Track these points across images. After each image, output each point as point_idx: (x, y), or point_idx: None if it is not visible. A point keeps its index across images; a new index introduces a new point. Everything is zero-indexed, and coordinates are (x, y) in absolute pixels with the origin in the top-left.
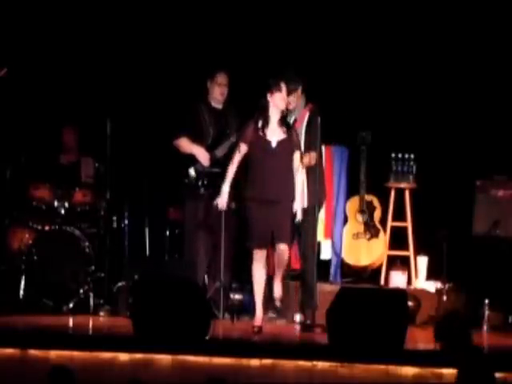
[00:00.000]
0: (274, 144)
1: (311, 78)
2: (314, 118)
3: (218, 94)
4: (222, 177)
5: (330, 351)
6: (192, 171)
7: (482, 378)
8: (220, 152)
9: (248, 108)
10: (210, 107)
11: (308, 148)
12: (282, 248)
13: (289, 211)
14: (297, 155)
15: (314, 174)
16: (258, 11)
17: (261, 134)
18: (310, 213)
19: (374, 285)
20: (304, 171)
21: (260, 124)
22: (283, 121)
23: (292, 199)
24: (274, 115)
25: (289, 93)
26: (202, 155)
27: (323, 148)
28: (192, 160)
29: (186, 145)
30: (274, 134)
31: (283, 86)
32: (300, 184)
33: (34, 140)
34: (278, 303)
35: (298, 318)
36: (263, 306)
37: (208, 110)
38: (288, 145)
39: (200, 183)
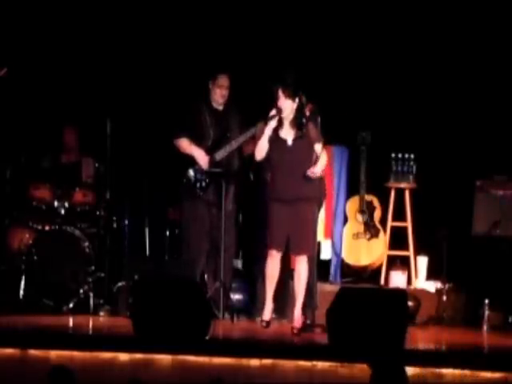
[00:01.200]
0: (289, 142)
1: (311, 78)
2: (314, 118)
3: (218, 97)
4: (222, 177)
5: (330, 351)
6: (191, 172)
7: (393, 374)
8: (219, 156)
9: (249, 107)
10: (212, 108)
11: None
12: (300, 260)
13: (311, 212)
14: (318, 147)
15: None
16: (259, 12)
17: (275, 134)
18: None
19: (374, 285)
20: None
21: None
22: (295, 122)
23: (314, 197)
24: (287, 116)
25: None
26: (202, 158)
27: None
28: (191, 161)
29: (186, 146)
30: (290, 133)
31: (280, 92)
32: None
33: (34, 140)
34: (295, 331)
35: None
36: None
37: (209, 111)
38: (305, 141)
39: (198, 185)
